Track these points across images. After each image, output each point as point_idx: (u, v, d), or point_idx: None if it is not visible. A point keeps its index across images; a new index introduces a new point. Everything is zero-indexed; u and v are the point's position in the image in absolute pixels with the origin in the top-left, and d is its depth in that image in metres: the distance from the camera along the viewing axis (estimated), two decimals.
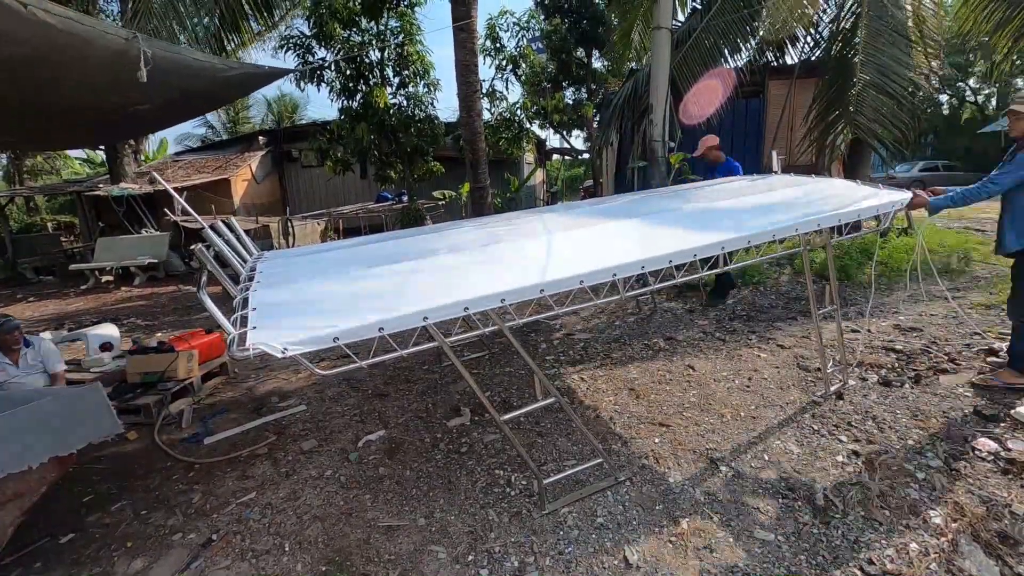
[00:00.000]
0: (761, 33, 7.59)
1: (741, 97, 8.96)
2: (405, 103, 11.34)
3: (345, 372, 2.08)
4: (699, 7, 8.28)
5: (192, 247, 2.09)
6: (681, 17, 8.72)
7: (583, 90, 17.74)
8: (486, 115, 12.88)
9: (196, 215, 2.93)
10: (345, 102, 11.05)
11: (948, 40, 7.89)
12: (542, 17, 16.36)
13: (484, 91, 13.24)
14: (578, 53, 16.60)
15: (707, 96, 7.53)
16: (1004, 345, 3.51)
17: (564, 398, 2.95)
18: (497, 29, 14.82)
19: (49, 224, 18.30)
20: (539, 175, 19.82)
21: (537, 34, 16.07)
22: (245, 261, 2.85)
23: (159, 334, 6.25)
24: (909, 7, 6.57)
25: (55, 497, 2.80)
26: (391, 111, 10.97)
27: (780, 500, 2.44)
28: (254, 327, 1.82)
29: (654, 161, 6.63)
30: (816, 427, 3.02)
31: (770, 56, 8.59)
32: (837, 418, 3.09)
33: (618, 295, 2.51)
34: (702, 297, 5.79)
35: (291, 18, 12.13)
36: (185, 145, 21.90)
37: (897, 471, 2.54)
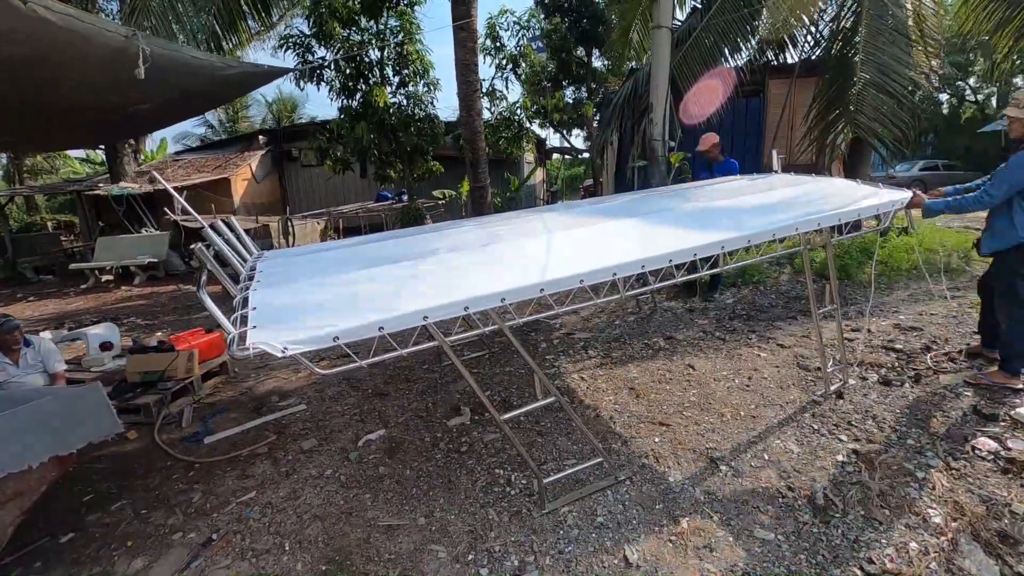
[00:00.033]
0: (761, 32, 7.59)
1: (741, 96, 8.95)
2: (405, 102, 11.34)
3: (345, 371, 2.09)
4: (699, 6, 8.26)
5: (192, 246, 2.09)
6: (681, 16, 8.72)
7: (583, 89, 17.73)
8: (486, 114, 12.87)
9: (196, 215, 2.93)
10: (345, 101, 11.05)
11: (948, 39, 7.88)
12: (542, 16, 16.35)
13: (484, 90, 13.23)
14: (578, 52, 16.59)
15: (707, 95, 7.53)
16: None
17: (564, 397, 2.95)
18: (497, 28, 14.81)
19: (49, 223, 18.29)
20: (539, 174, 19.82)
21: (537, 33, 16.05)
22: (245, 260, 2.85)
23: (159, 333, 6.25)
24: (909, 6, 6.56)
25: (55, 496, 2.80)
26: (391, 110, 10.96)
27: (780, 499, 2.44)
28: (254, 326, 1.82)
29: (654, 160, 6.62)
30: (816, 426, 3.02)
31: (770, 55, 8.59)
32: (837, 417, 3.09)
33: (618, 294, 2.51)
34: (698, 294, 5.79)
35: (290, 17, 12.14)
36: (184, 144, 21.90)
37: (897, 470, 2.54)
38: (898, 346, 3.98)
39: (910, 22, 6.50)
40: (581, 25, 15.98)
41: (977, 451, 2.62)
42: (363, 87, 10.87)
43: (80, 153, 23.07)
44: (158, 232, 12.01)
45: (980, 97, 25.26)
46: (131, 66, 3.74)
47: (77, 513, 2.82)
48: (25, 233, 15.60)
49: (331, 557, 2.32)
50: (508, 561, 2.21)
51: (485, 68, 13.43)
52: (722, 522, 2.32)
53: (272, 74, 6.16)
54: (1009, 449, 2.59)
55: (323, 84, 10.95)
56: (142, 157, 16.52)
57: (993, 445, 2.64)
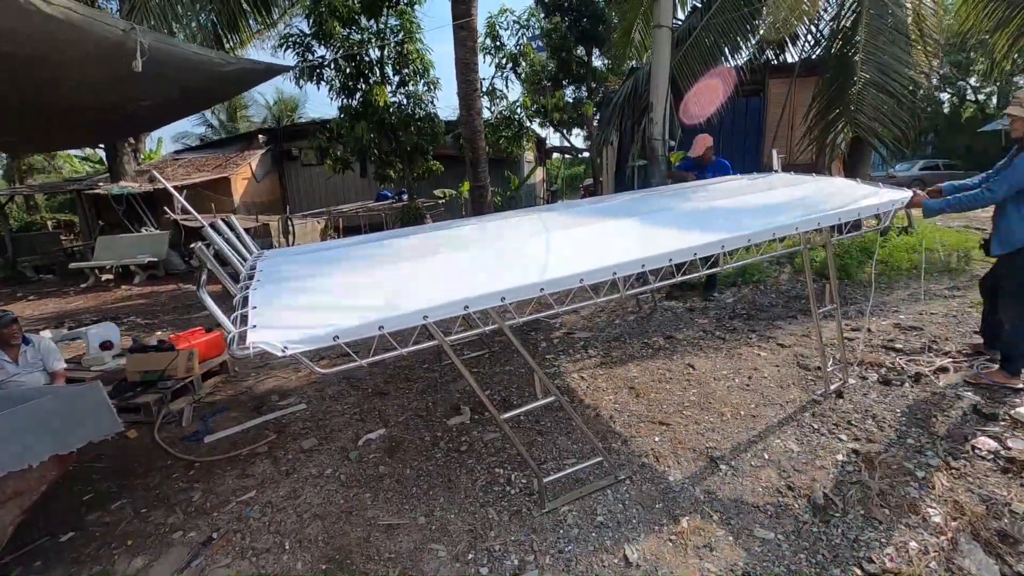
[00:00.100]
0: (762, 32, 7.59)
1: (741, 96, 8.95)
2: (405, 101, 11.34)
3: (345, 371, 2.09)
4: (699, 5, 8.26)
5: (192, 245, 2.09)
6: (681, 15, 8.71)
7: (583, 88, 17.71)
8: (486, 113, 12.88)
9: (196, 214, 2.93)
10: (345, 100, 11.04)
11: (948, 39, 7.88)
12: (542, 15, 16.33)
13: (484, 89, 13.24)
14: (578, 51, 16.56)
15: (707, 95, 7.53)
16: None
17: (564, 397, 2.96)
18: (497, 27, 14.82)
19: (49, 223, 18.29)
20: (539, 174, 19.82)
21: (537, 32, 16.04)
22: (245, 260, 2.84)
23: (159, 332, 6.25)
24: (909, 5, 6.56)
25: (55, 496, 2.80)
26: (391, 109, 10.96)
27: (780, 499, 2.44)
28: (254, 325, 1.82)
29: (654, 160, 6.62)
30: (816, 426, 3.02)
31: (770, 54, 8.59)
32: (837, 417, 3.09)
33: (618, 293, 2.51)
34: (701, 294, 5.80)
35: (290, 16, 12.13)
36: (184, 144, 21.90)
37: (897, 470, 2.54)
38: (898, 346, 3.98)
39: (910, 21, 6.50)
40: (581, 24, 15.96)
41: (977, 450, 2.62)
42: (363, 86, 10.86)
43: (80, 152, 23.08)
44: (158, 231, 12.00)
45: (981, 96, 25.26)
46: (130, 61, 3.73)
47: (77, 512, 2.82)
48: (25, 232, 15.61)
49: (331, 556, 2.32)
50: (508, 560, 2.21)
51: (485, 67, 13.45)
52: (722, 521, 2.33)
53: (271, 71, 6.15)
54: (1009, 448, 2.59)
55: (323, 83, 10.95)
56: (142, 156, 16.51)
57: (993, 444, 2.64)
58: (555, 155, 25.18)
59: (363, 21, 10.72)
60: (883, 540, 2.13)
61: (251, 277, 2.51)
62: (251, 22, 8.99)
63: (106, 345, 5.02)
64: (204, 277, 2.11)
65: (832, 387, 3.37)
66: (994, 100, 24.47)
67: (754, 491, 2.51)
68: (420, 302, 2.00)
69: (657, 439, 3.04)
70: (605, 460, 2.71)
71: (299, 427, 3.62)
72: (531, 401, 2.58)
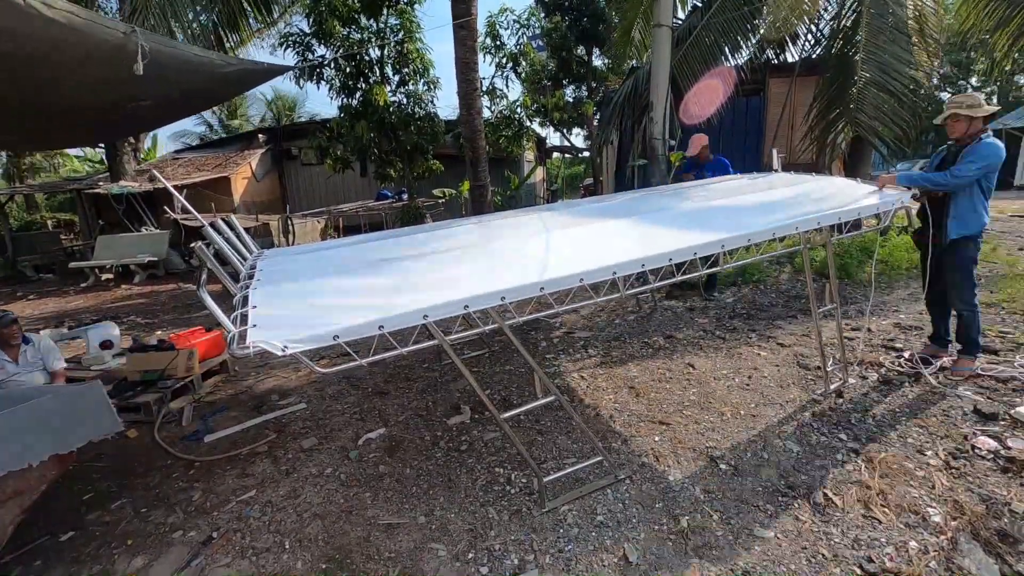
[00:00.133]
0: (762, 31, 7.58)
1: (742, 95, 8.94)
2: (405, 101, 11.33)
3: (345, 370, 2.09)
4: (700, 5, 8.26)
5: (192, 245, 2.09)
6: (682, 15, 8.71)
7: (583, 88, 17.70)
8: (486, 113, 12.87)
9: (196, 213, 2.93)
10: (345, 100, 11.04)
11: (949, 38, 7.88)
12: (542, 15, 16.32)
13: (484, 89, 13.23)
14: (578, 51, 16.55)
15: (707, 94, 7.52)
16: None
17: (564, 396, 2.95)
18: (497, 26, 14.80)
19: (49, 222, 18.28)
20: (539, 173, 19.81)
21: (537, 31, 16.03)
22: (245, 259, 2.85)
23: (159, 332, 6.25)
24: (910, 5, 6.55)
25: (55, 495, 2.80)
26: (391, 109, 10.95)
27: (780, 498, 2.44)
28: (254, 325, 1.82)
29: (654, 159, 6.62)
30: (816, 425, 3.02)
31: (771, 54, 8.58)
32: (837, 416, 3.09)
33: (618, 293, 2.51)
34: (700, 293, 5.80)
35: (290, 15, 12.12)
36: (183, 143, 21.88)
37: (897, 469, 2.54)
38: (898, 345, 3.98)
39: (911, 21, 6.50)
40: (581, 24, 15.94)
41: (977, 450, 2.63)
42: (363, 86, 10.86)
43: (79, 151, 23.08)
44: (158, 231, 12.01)
45: (981, 96, 25.23)
46: (130, 63, 3.73)
47: (77, 512, 2.82)
48: (25, 232, 15.60)
49: (331, 555, 2.32)
50: (508, 560, 2.21)
51: (485, 66, 13.45)
52: (722, 521, 2.33)
53: (271, 72, 6.15)
54: (1009, 448, 2.59)
55: (323, 83, 10.95)
56: (141, 156, 16.51)
57: (993, 444, 2.64)
58: (555, 154, 25.16)
59: (363, 20, 10.71)
60: (883, 539, 2.13)
61: (251, 276, 2.51)
62: (251, 21, 8.99)
63: (106, 344, 5.02)
64: (204, 276, 2.11)
65: (833, 387, 3.37)
66: (994, 100, 24.45)
67: (754, 490, 2.51)
68: (420, 301, 2.00)
69: (657, 439, 3.04)
70: (605, 459, 2.71)
71: (299, 426, 3.62)
72: (531, 400, 2.58)
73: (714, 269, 2.83)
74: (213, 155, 16.69)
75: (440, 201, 14.06)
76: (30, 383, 3.55)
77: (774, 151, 4.60)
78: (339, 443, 3.34)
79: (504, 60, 15.06)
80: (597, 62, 17.42)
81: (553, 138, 24.08)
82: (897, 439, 2.80)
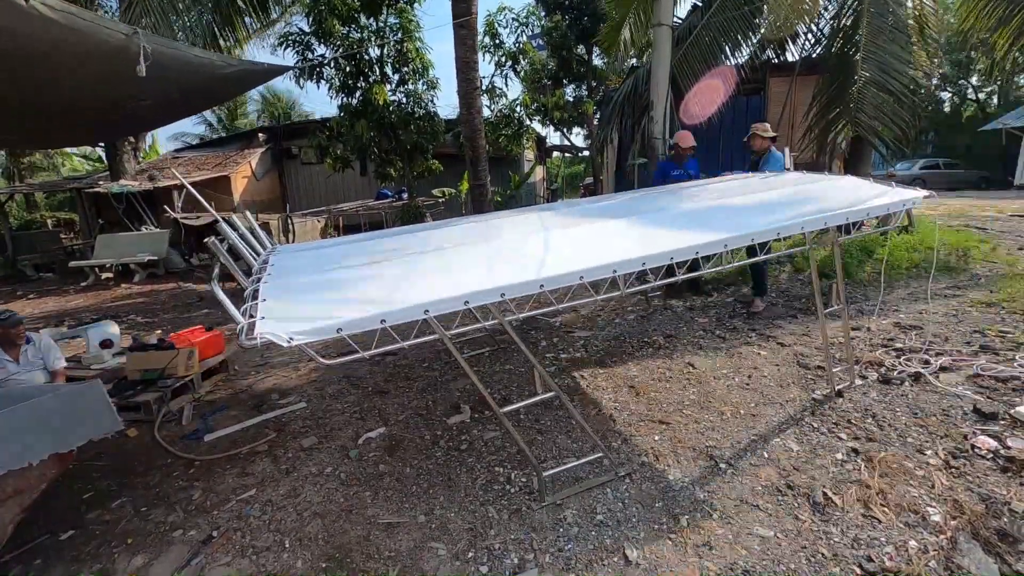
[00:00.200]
0: (762, 30, 7.57)
1: (742, 94, 8.95)
2: (405, 100, 11.33)
3: (348, 362, 2.11)
4: (700, 4, 8.24)
5: (206, 240, 2.14)
6: (682, 14, 8.70)
7: (583, 87, 17.71)
8: (486, 112, 12.86)
9: (211, 208, 2.96)
10: (344, 99, 11.04)
11: (949, 38, 7.89)
12: (542, 13, 16.32)
13: (484, 88, 13.21)
14: (578, 50, 16.55)
15: (708, 94, 7.51)
16: None
17: (563, 394, 2.95)
18: (497, 25, 14.78)
19: (49, 221, 18.28)
20: (539, 172, 19.80)
21: (537, 31, 16.03)
22: (258, 254, 2.87)
23: (159, 331, 6.25)
24: (910, 4, 6.55)
25: (55, 494, 2.80)
26: (391, 108, 10.95)
27: (779, 497, 2.44)
28: (262, 317, 1.86)
29: (654, 158, 6.61)
30: (816, 425, 3.02)
31: (771, 53, 8.58)
32: (837, 416, 3.09)
33: (618, 292, 2.51)
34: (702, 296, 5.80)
35: (290, 15, 12.12)
36: (183, 142, 21.88)
37: (896, 468, 2.54)
38: (898, 345, 3.98)
39: (910, 20, 6.50)
40: (581, 23, 15.95)
41: (977, 449, 2.62)
42: (363, 85, 10.86)
43: (79, 151, 23.08)
44: (158, 230, 12.01)
45: (981, 96, 25.24)
46: (132, 64, 3.74)
47: (77, 511, 2.82)
48: (25, 231, 15.60)
49: (331, 554, 2.32)
50: (508, 559, 2.21)
51: (485, 65, 13.43)
52: (721, 520, 2.33)
53: (271, 72, 6.16)
54: (1009, 448, 2.59)
55: (323, 82, 10.95)
56: (141, 155, 16.50)
57: (993, 443, 2.64)
58: (555, 154, 25.16)
59: (363, 19, 10.71)
60: (882, 539, 2.13)
61: (263, 271, 2.53)
62: (247, 20, 8.98)
63: (106, 343, 5.02)
64: (217, 270, 2.17)
65: (838, 387, 3.36)
66: (995, 100, 24.45)
67: (754, 490, 2.51)
68: (421, 296, 2.01)
69: (657, 438, 3.04)
70: (605, 456, 2.72)
71: (299, 425, 3.62)
72: (531, 398, 2.58)
73: (715, 269, 2.82)
74: (213, 154, 16.68)
75: (440, 200, 14.06)
76: (30, 382, 3.55)
77: (786, 150, 4.61)
78: (339, 442, 3.34)
79: (504, 59, 15.04)
80: (597, 61, 17.43)
81: (553, 137, 24.12)
82: (897, 439, 2.80)
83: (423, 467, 2.96)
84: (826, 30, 7.76)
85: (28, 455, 2.26)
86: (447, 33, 7.67)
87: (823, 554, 2.09)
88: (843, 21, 6.95)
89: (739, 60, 7.69)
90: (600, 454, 2.71)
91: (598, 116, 16.48)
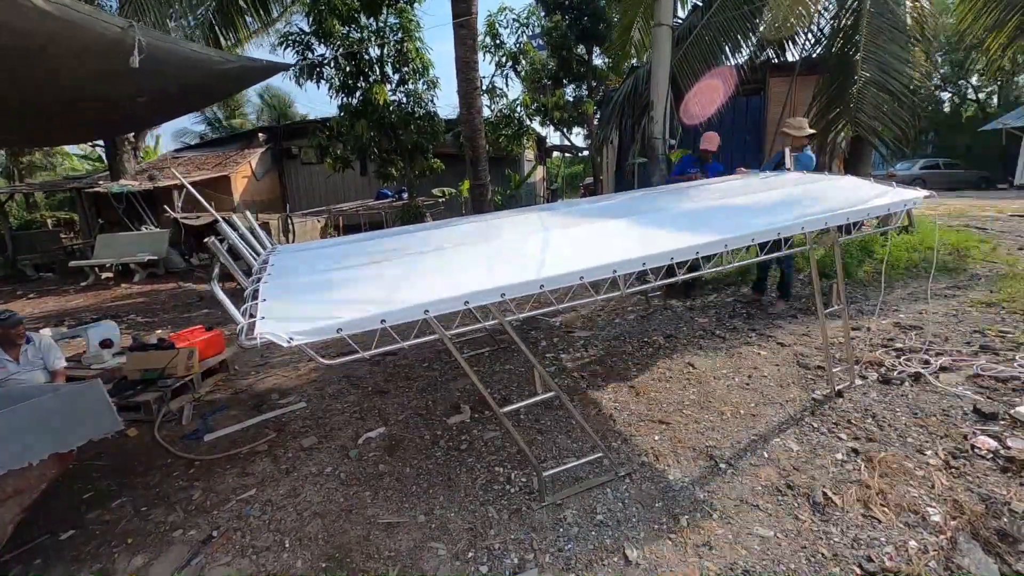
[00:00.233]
0: (762, 28, 7.57)
1: (742, 94, 8.94)
2: (405, 100, 11.33)
3: (348, 362, 2.11)
4: (700, 4, 8.25)
5: (206, 240, 2.14)
6: (682, 14, 8.70)
7: (583, 87, 17.70)
8: (486, 112, 12.87)
9: (211, 208, 2.96)
10: (345, 99, 11.04)
11: (948, 38, 7.90)
12: (542, 13, 16.32)
13: (484, 88, 13.22)
14: (579, 50, 16.55)
15: (708, 94, 7.52)
16: None
17: (563, 394, 2.95)
18: (497, 25, 14.80)
19: (49, 221, 18.27)
20: (539, 172, 19.81)
21: (537, 31, 16.03)
22: (258, 254, 2.87)
23: (159, 331, 6.25)
24: (909, 4, 6.55)
25: (55, 494, 2.80)
26: (391, 108, 10.95)
27: (779, 497, 2.44)
28: (263, 317, 1.86)
29: (654, 158, 6.61)
30: (816, 425, 3.02)
31: (771, 53, 8.58)
32: (837, 416, 3.09)
33: (618, 292, 2.51)
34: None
35: (290, 15, 12.12)
36: (182, 143, 21.88)
37: (896, 469, 2.54)
38: (898, 345, 3.98)
39: (909, 20, 6.50)
40: (582, 23, 15.95)
41: (977, 450, 2.63)
42: (363, 85, 10.86)
43: (79, 150, 23.06)
44: (158, 230, 12.01)
45: (981, 95, 25.24)
46: (127, 57, 3.73)
47: (77, 511, 2.82)
48: (25, 231, 15.59)
49: (331, 554, 2.32)
50: (508, 559, 2.21)
51: (485, 65, 13.45)
52: (721, 520, 2.33)
53: (270, 69, 6.15)
54: (1008, 448, 2.59)
55: (323, 81, 10.94)
56: (141, 155, 16.50)
57: (993, 444, 2.64)
58: (555, 154, 25.16)
59: (363, 19, 10.71)
60: (882, 539, 2.13)
61: (263, 271, 2.53)
62: (248, 20, 8.98)
63: (106, 343, 5.02)
64: (217, 270, 2.16)
65: (838, 387, 3.36)
66: (995, 100, 24.46)
67: (754, 490, 2.51)
68: (421, 297, 2.01)
69: (657, 438, 3.04)
70: (605, 456, 2.72)
71: (299, 425, 3.62)
72: (531, 398, 2.58)
73: (715, 269, 2.82)
74: (213, 154, 16.69)
75: (440, 200, 14.06)
76: (31, 382, 3.55)
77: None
78: (339, 442, 3.34)
79: (504, 59, 15.06)
80: (597, 61, 17.44)
81: (553, 137, 24.09)
82: (897, 439, 2.80)
83: (423, 467, 2.96)
84: (826, 30, 7.76)
85: (28, 455, 2.26)
86: (447, 33, 7.68)
87: (823, 554, 2.09)
88: (843, 21, 6.96)
89: (739, 60, 7.69)
90: (600, 454, 2.71)
91: (598, 116, 16.47)
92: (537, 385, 2.49)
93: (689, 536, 2.24)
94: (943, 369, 3.49)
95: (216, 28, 8.06)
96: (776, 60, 8.92)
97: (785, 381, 3.61)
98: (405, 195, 13.08)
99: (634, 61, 10.20)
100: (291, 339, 1.71)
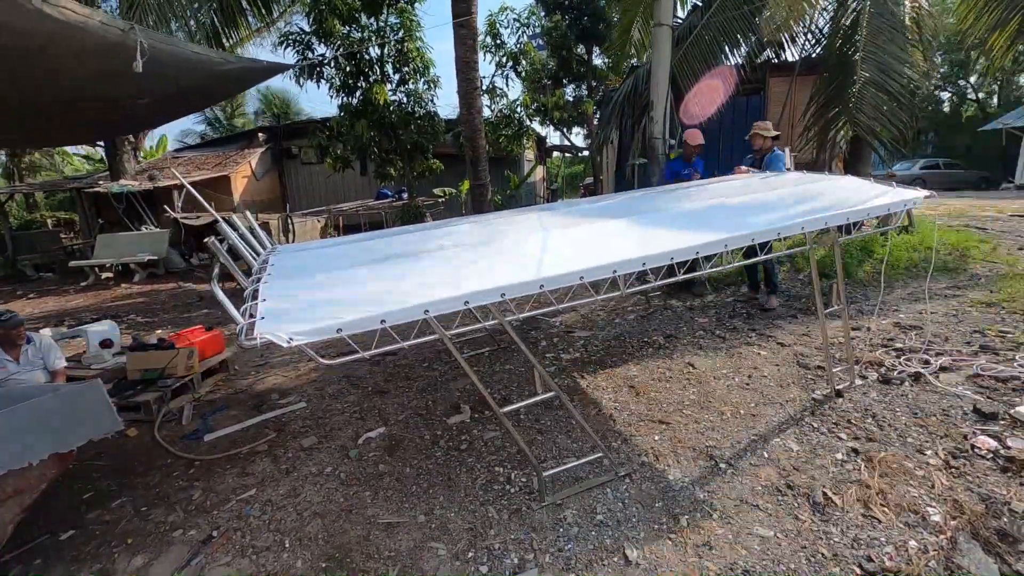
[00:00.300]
0: (762, 30, 7.57)
1: (742, 94, 8.94)
2: (405, 100, 11.33)
3: (348, 362, 2.12)
4: (700, 4, 8.25)
5: (206, 240, 2.14)
6: (682, 14, 8.70)
7: (583, 87, 17.72)
8: (486, 112, 12.87)
9: (210, 208, 2.96)
10: (345, 99, 11.04)
11: (948, 38, 7.91)
12: (542, 13, 16.33)
13: (484, 88, 13.22)
14: (578, 50, 16.57)
15: (708, 94, 7.52)
16: None
17: (563, 394, 2.96)
18: (497, 25, 14.79)
19: (49, 221, 18.27)
20: (539, 172, 19.80)
21: (537, 30, 16.04)
22: (258, 254, 2.87)
23: (159, 331, 6.25)
24: (909, 4, 6.55)
25: (55, 494, 2.80)
26: (391, 108, 10.95)
27: (779, 497, 2.44)
28: (262, 317, 1.87)
29: (654, 158, 6.61)
30: (816, 425, 3.02)
31: (770, 53, 8.58)
32: (837, 416, 3.09)
33: (618, 292, 2.51)
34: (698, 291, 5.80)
35: (290, 14, 12.12)
36: (182, 143, 21.89)
37: (896, 468, 2.54)
38: (898, 345, 3.97)
39: (908, 21, 6.49)
40: (582, 23, 15.97)
41: (977, 449, 2.62)
42: (363, 84, 10.86)
43: (80, 150, 23.08)
44: (158, 230, 12.01)
45: (981, 95, 25.23)
46: (129, 60, 3.73)
47: (77, 511, 2.82)
48: (25, 231, 15.60)
49: (331, 554, 2.32)
50: (508, 559, 2.21)
51: (485, 65, 13.45)
52: (721, 520, 2.33)
53: (271, 70, 6.15)
54: (1008, 448, 2.59)
55: (323, 81, 10.95)
56: (142, 155, 16.51)
57: (993, 443, 2.64)
58: (555, 154, 25.16)
59: (363, 19, 10.71)
60: (882, 539, 2.13)
61: (263, 271, 2.53)
62: (250, 19, 8.99)
63: (106, 343, 5.02)
64: (217, 270, 2.17)
65: (838, 387, 3.36)
66: (995, 100, 24.45)
67: (754, 490, 2.51)
68: (421, 296, 2.02)
69: (657, 438, 3.04)
70: (605, 456, 2.72)
71: (299, 425, 3.62)
72: (531, 398, 2.58)
73: (716, 269, 2.82)
74: (213, 154, 16.68)
75: (440, 200, 14.06)
76: (31, 382, 3.55)
77: (787, 150, 4.61)
78: (339, 442, 3.34)
79: (504, 59, 15.05)
80: (597, 61, 17.46)
81: (553, 137, 24.11)
82: (897, 439, 2.80)
83: (423, 467, 2.96)
84: (826, 30, 7.76)
85: (28, 455, 2.26)
86: (447, 33, 7.68)
87: (823, 554, 2.09)
88: (843, 21, 6.96)
89: (739, 60, 7.69)
90: (600, 454, 2.71)
91: (598, 116, 16.48)
92: (537, 385, 2.49)
93: (689, 536, 2.24)
94: (943, 369, 3.49)
95: (218, 27, 8.06)
96: (776, 60, 8.93)
97: (785, 381, 3.61)
98: (405, 195, 13.08)
99: (634, 61, 10.21)
100: (291, 339, 1.71)
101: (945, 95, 25.04)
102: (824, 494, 2.41)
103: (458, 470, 2.90)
